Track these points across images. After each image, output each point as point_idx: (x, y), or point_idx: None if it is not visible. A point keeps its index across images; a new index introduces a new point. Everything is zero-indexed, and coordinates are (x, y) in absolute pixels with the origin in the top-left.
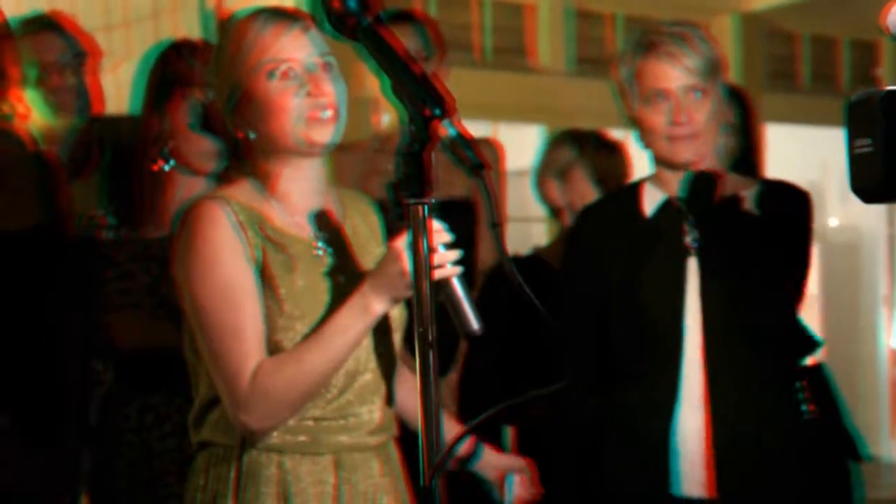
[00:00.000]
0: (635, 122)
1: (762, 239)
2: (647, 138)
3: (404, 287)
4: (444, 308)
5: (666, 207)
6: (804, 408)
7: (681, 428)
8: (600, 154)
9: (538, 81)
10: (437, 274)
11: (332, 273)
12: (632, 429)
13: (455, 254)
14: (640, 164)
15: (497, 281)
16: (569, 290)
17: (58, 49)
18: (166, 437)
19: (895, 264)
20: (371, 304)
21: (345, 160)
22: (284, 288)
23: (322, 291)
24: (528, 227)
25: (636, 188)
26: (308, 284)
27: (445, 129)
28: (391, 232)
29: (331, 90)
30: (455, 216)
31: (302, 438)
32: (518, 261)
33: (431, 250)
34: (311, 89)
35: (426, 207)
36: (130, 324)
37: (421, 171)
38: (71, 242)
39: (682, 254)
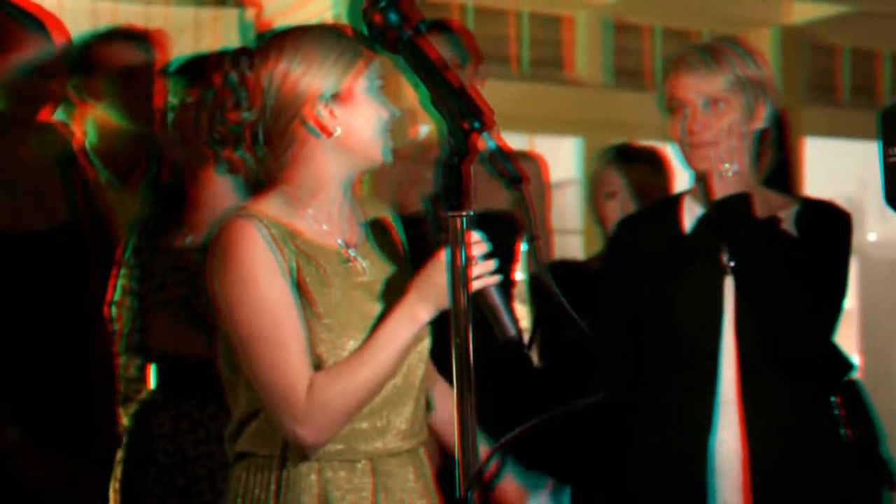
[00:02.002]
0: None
1: (800, 260)
2: (678, 149)
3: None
4: (482, 318)
5: (704, 223)
6: (841, 431)
7: (719, 446)
8: (656, 176)
9: (575, 93)
10: (476, 284)
11: (365, 281)
12: (668, 445)
13: (492, 264)
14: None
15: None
16: (604, 300)
17: (135, 59)
18: (200, 443)
19: None
20: (417, 313)
21: (384, 170)
22: (321, 302)
23: (357, 300)
24: (563, 238)
25: (677, 201)
26: (343, 295)
27: (484, 142)
28: (427, 243)
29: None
30: (495, 229)
31: (339, 446)
32: (556, 267)
33: (469, 260)
34: (388, 108)
35: (464, 219)
36: (166, 331)
37: (460, 184)
38: (99, 246)
39: (720, 272)
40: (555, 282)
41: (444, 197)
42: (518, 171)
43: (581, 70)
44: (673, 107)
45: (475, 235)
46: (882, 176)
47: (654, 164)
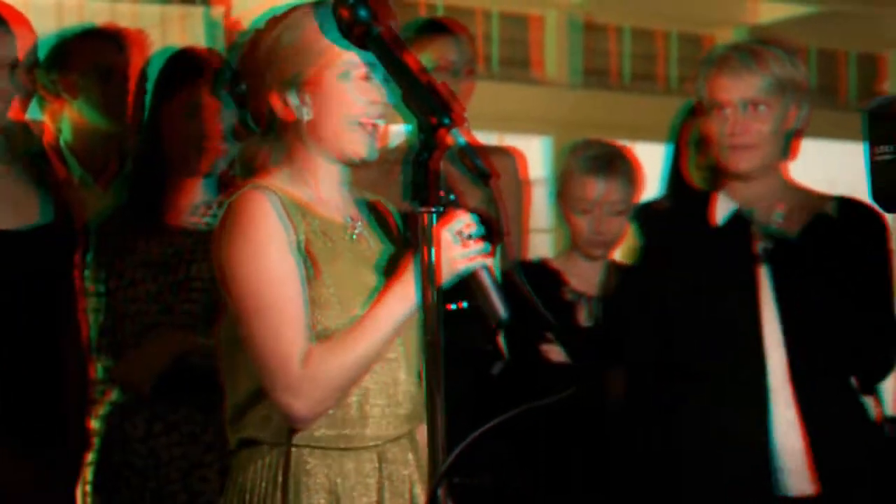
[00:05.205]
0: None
1: (838, 254)
2: (711, 147)
3: (449, 273)
4: (456, 315)
5: (736, 217)
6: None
7: (778, 426)
8: (631, 187)
9: (544, 93)
10: (466, 264)
11: (370, 256)
12: (723, 430)
13: (480, 244)
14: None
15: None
16: (633, 288)
17: (112, 57)
18: (174, 445)
19: None
20: (412, 291)
21: (361, 171)
22: (329, 273)
23: (363, 273)
24: (531, 237)
25: (707, 196)
26: (351, 268)
27: (453, 138)
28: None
29: (384, 98)
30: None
31: (347, 431)
32: (527, 266)
33: (463, 241)
34: (377, 97)
35: (433, 215)
36: (135, 334)
37: (428, 180)
38: (72, 245)
39: (753, 261)
40: (525, 279)
41: (412, 193)
42: (487, 167)
43: (549, 69)
44: (712, 107)
45: (466, 216)
46: (868, 174)
47: (630, 177)
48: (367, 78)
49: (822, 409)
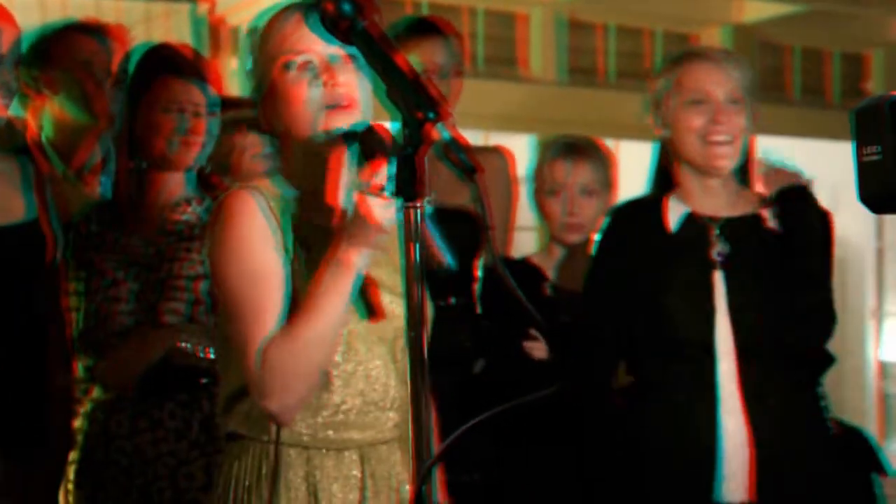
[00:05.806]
0: (669, 131)
1: (785, 254)
2: (682, 143)
3: (375, 231)
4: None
5: (689, 221)
6: (827, 421)
7: (725, 433)
8: (601, 172)
9: (530, 91)
10: (395, 216)
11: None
12: (673, 435)
13: (390, 188)
14: (629, 175)
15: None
16: (596, 297)
17: (93, 52)
18: (159, 441)
19: (882, 277)
20: (349, 259)
21: None
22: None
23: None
24: (516, 235)
25: (659, 201)
26: None
27: (439, 133)
28: None
29: (347, 80)
30: (457, 225)
31: (329, 433)
32: (509, 264)
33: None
34: (325, 79)
35: (419, 211)
36: (117, 333)
37: (414, 174)
38: (56, 242)
39: (708, 267)
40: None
41: (398, 188)
42: (472, 162)
43: (535, 67)
44: (698, 99)
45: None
46: (856, 175)
47: (600, 161)
48: (308, 64)
49: (770, 417)
